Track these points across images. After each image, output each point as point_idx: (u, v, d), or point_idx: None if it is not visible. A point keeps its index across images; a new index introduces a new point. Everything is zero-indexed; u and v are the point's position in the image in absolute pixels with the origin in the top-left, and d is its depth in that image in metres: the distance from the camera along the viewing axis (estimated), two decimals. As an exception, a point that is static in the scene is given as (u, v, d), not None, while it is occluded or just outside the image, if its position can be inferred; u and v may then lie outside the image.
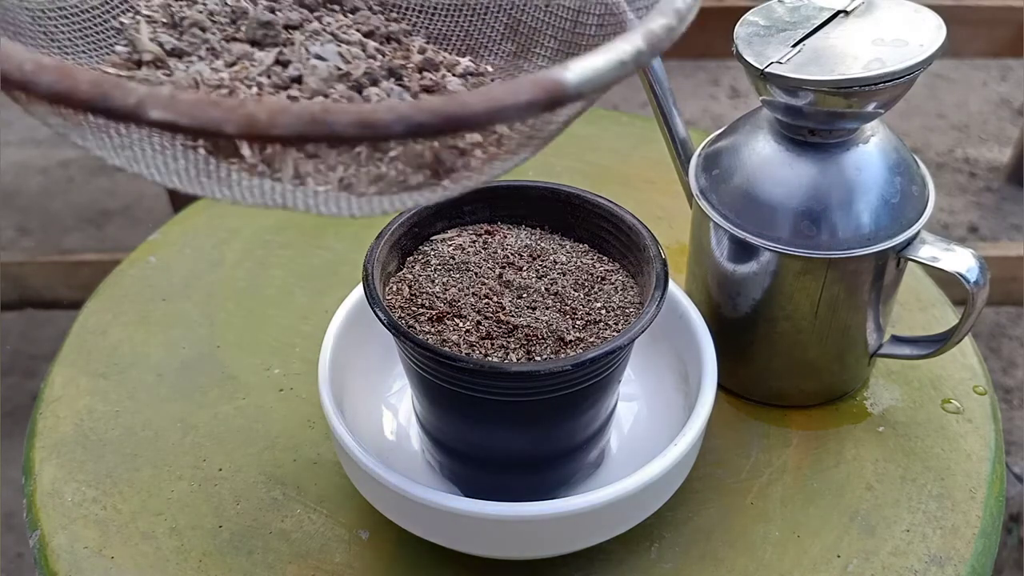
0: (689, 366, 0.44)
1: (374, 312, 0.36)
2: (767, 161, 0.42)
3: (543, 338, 0.36)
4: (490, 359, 0.35)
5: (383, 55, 0.28)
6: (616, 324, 0.37)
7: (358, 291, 0.44)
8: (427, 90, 0.28)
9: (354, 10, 0.30)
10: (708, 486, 0.44)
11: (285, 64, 0.27)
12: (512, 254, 0.40)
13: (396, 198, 0.23)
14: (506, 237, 0.41)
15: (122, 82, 0.18)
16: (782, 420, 0.47)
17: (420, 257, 0.40)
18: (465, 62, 0.30)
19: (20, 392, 1.21)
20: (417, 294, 0.38)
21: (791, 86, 0.38)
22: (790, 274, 0.42)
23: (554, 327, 0.36)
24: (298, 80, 0.26)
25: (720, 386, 0.43)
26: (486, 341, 0.36)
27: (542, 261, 0.40)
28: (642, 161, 0.66)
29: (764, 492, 0.44)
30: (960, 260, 0.41)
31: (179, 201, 1.16)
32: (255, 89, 0.26)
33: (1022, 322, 1.32)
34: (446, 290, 0.38)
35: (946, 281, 0.47)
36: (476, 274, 0.39)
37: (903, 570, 0.41)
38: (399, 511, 0.39)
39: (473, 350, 0.36)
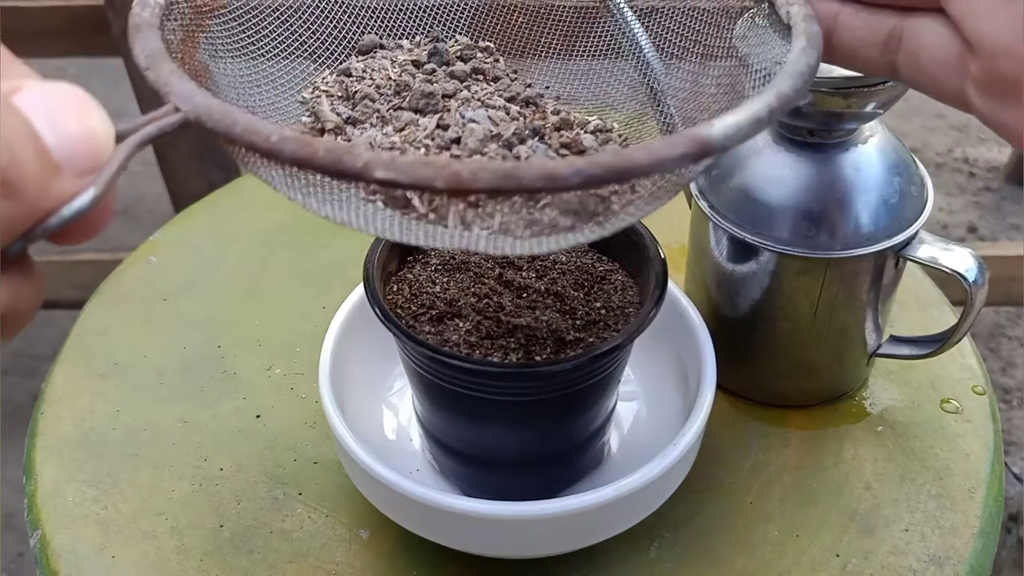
0: (688, 366, 0.44)
1: (374, 312, 0.36)
2: (766, 161, 0.42)
3: (543, 338, 0.36)
4: (490, 359, 0.35)
5: (524, 117, 0.32)
6: (616, 324, 0.37)
7: (358, 291, 0.45)
8: (565, 146, 0.31)
9: (496, 79, 0.34)
10: (708, 486, 0.44)
11: (445, 127, 0.30)
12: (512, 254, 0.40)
13: (548, 239, 0.26)
14: (506, 237, 0.41)
15: (351, 148, 0.21)
16: (781, 420, 0.47)
17: (420, 257, 0.40)
18: (595, 121, 0.33)
19: (21, 392, 1.21)
20: (417, 294, 0.38)
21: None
22: (789, 274, 0.42)
23: (554, 327, 0.37)
24: (456, 141, 0.30)
25: (719, 386, 0.43)
26: (486, 341, 0.36)
27: (542, 261, 0.40)
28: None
29: (763, 492, 0.44)
30: (959, 260, 0.41)
31: (179, 201, 1.16)
32: (423, 150, 0.29)
33: (1021, 322, 1.32)
34: (446, 290, 0.38)
35: (945, 281, 0.47)
36: (476, 274, 0.39)
37: (902, 569, 0.41)
38: (399, 511, 0.39)
39: (473, 350, 0.36)
